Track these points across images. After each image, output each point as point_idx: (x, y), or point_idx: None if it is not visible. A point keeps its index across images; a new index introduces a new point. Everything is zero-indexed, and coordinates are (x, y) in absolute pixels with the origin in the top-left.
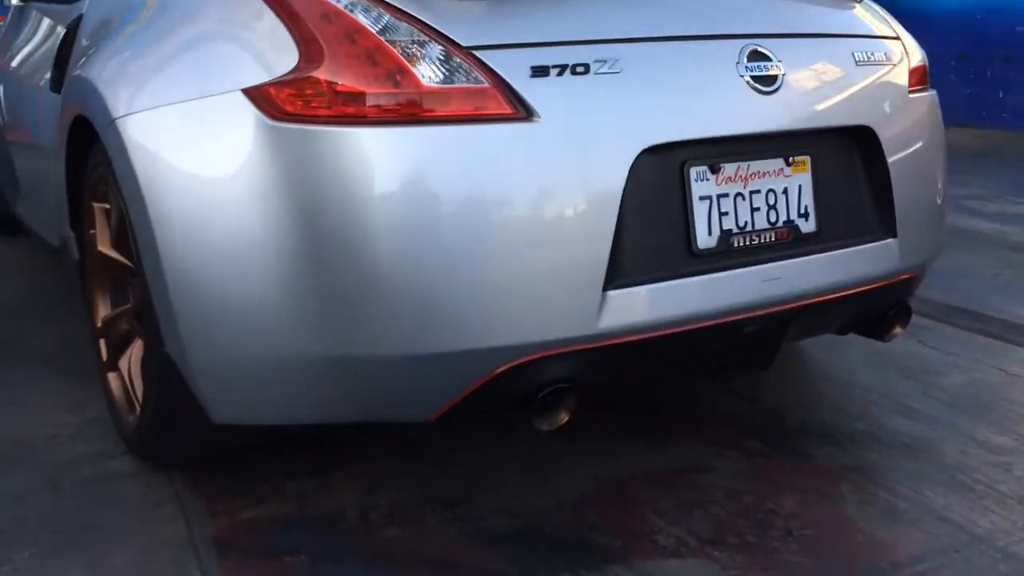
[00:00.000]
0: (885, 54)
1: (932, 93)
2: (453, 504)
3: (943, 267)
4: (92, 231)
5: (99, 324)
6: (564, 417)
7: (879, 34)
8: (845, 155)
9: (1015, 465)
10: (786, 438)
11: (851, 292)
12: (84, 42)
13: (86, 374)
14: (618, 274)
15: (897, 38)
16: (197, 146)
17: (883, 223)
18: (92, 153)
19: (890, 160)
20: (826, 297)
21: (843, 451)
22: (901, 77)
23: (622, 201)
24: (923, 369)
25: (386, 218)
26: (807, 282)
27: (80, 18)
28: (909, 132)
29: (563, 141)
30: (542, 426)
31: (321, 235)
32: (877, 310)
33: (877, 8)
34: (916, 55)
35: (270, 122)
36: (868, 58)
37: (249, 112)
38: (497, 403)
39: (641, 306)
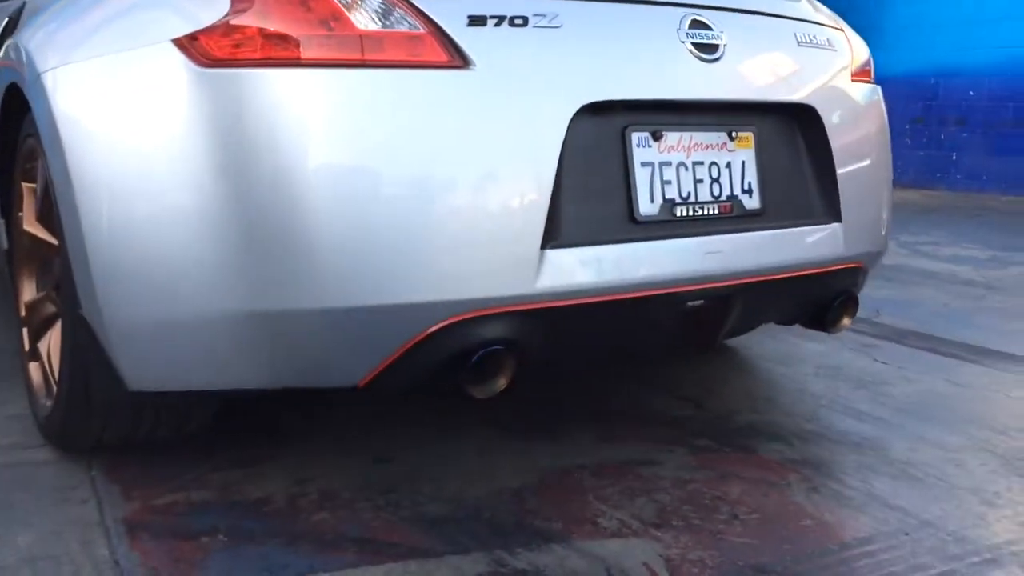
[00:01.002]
0: (828, 40)
1: (877, 87)
2: (389, 491)
3: (895, 297)
4: (20, 213)
5: (23, 311)
6: (501, 384)
7: (823, 22)
8: (788, 135)
9: (967, 461)
10: (734, 436)
11: (794, 274)
12: (24, 23)
13: (7, 373)
14: (557, 234)
15: (841, 30)
16: (123, 96)
17: (828, 208)
18: (23, 126)
19: (834, 144)
20: (769, 277)
21: (791, 448)
22: (844, 64)
23: (561, 158)
24: (874, 380)
25: (315, 164)
26: (750, 259)
27: (23, 6)
28: (853, 118)
29: (500, 92)
30: (476, 393)
31: (248, 183)
32: (822, 298)
33: (823, 7)
34: (861, 50)
35: (199, 69)
36: (811, 40)
37: (178, 60)
38: (430, 366)
39: (580, 269)
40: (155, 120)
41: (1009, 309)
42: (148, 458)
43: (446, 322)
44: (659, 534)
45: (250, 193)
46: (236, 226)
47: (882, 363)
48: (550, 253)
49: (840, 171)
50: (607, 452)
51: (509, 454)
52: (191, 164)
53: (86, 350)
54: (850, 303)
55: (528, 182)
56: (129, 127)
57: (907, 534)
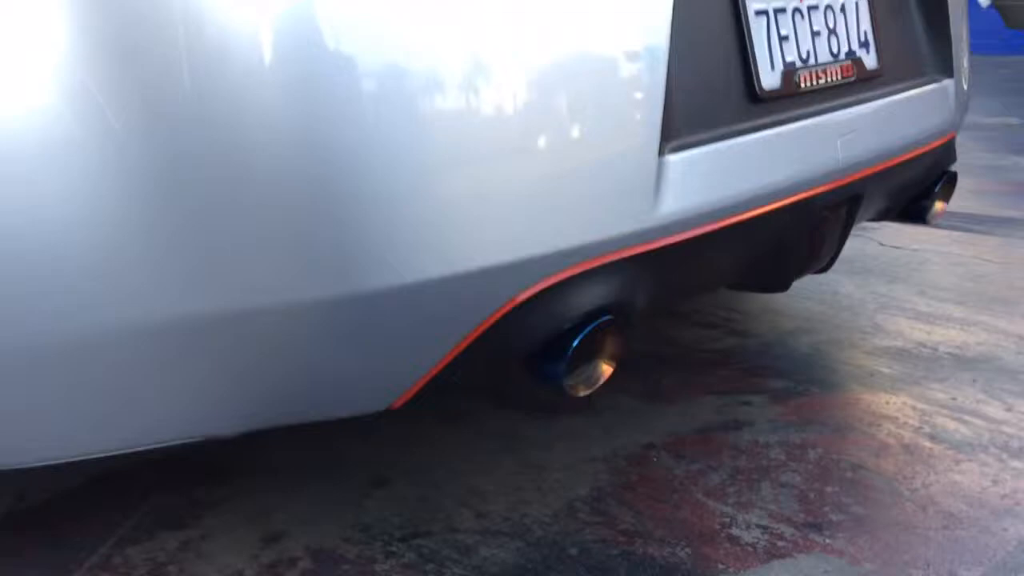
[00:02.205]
0: None
1: None
2: (414, 534)
3: None
4: None
5: None
6: (607, 370)
7: None
8: None
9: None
10: (808, 367)
11: (919, 152)
12: None
13: None
14: (675, 131)
15: None
16: None
17: (940, 58)
18: None
19: None
20: (897, 159)
21: (887, 372)
22: None
23: (672, 21)
24: (894, 267)
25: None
26: (880, 139)
27: None
28: None
29: None
30: (579, 389)
31: (175, 132)
32: (927, 179)
33: None
34: None
35: None
36: None
37: None
38: (506, 361)
39: (706, 179)
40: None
41: None
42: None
43: (536, 286)
44: (831, 542)
45: (189, 144)
46: (171, 194)
47: (892, 247)
48: (671, 161)
49: (952, 9)
50: (672, 419)
51: (542, 447)
52: (86, 116)
53: None
54: (952, 182)
55: (635, 56)
56: None
57: None
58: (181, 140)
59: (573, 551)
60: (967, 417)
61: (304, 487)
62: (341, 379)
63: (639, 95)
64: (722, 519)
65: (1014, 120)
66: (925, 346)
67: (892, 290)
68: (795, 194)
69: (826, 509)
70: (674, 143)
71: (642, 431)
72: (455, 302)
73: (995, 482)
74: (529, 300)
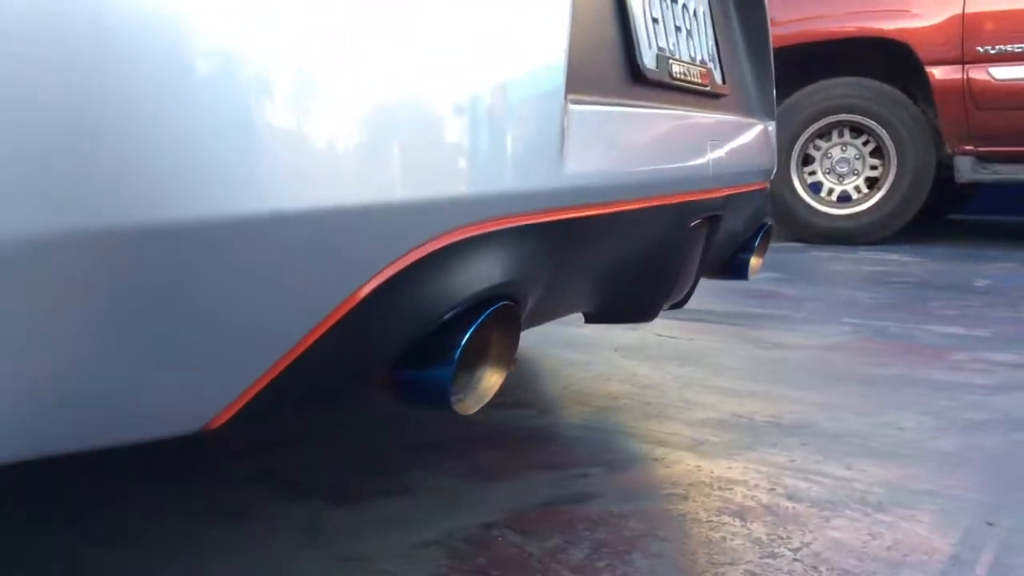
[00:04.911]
0: None
1: None
2: None
3: None
4: None
5: None
6: (498, 381)
7: None
8: (724, 4)
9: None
10: (638, 440)
11: (753, 187)
12: None
13: None
14: (574, 85)
15: None
16: None
17: (764, 101)
18: None
19: (770, 26)
20: (745, 187)
21: (710, 441)
22: None
23: None
24: (689, 352)
25: None
26: (736, 158)
27: None
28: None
29: None
30: (467, 405)
31: None
32: (752, 227)
33: None
34: None
35: None
36: None
37: None
38: (372, 363)
39: (605, 143)
40: None
41: None
42: None
43: (409, 257)
44: None
45: None
46: None
47: (668, 337)
48: (575, 110)
49: (772, 58)
50: (505, 497)
51: (356, 537)
52: None
53: None
54: (768, 235)
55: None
56: None
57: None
58: None
59: None
60: (814, 477)
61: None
62: (138, 383)
63: (547, 34)
64: None
65: None
66: (742, 416)
67: (687, 371)
68: (677, 193)
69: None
70: (575, 96)
71: (474, 511)
72: (296, 276)
73: (872, 536)
74: (404, 273)
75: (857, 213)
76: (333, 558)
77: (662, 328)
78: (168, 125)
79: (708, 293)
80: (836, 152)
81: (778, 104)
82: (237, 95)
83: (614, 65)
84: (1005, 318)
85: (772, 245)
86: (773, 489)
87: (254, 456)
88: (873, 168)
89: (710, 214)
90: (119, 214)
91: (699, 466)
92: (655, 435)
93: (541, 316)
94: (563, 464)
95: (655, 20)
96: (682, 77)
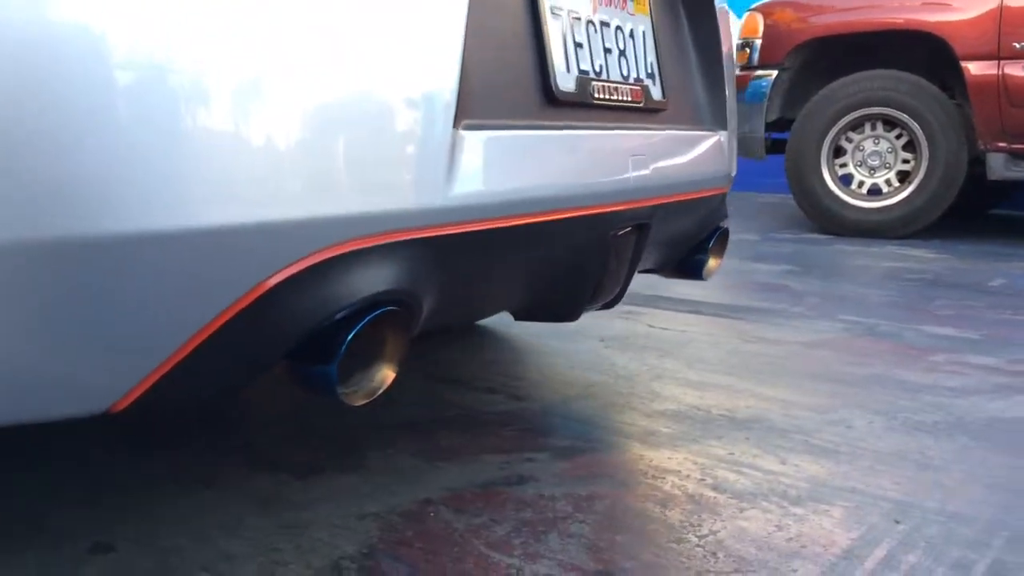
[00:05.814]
0: None
1: None
2: None
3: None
4: None
5: None
6: (388, 376)
7: None
8: (674, 16)
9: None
10: (586, 427)
11: (700, 195)
12: None
13: None
14: (470, 110)
15: None
16: None
17: (716, 112)
18: None
19: (723, 38)
20: (683, 195)
21: (660, 432)
22: None
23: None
24: (673, 344)
25: None
26: (669, 170)
27: None
28: (724, 17)
29: None
30: (355, 398)
31: None
32: (703, 231)
33: None
34: None
35: None
36: None
37: None
38: (270, 356)
39: (501, 165)
40: None
41: None
42: None
43: (300, 264)
44: None
45: None
46: None
47: (661, 328)
48: (465, 136)
49: (726, 67)
50: (452, 476)
51: (304, 508)
52: None
53: None
54: (725, 238)
55: (433, 22)
56: None
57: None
58: None
59: None
60: (745, 470)
61: None
62: (50, 370)
63: (436, 61)
64: (507, 570)
65: (751, 236)
66: (699, 409)
67: (664, 363)
68: (588, 206)
69: (617, 557)
70: (469, 122)
71: (419, 488)
72: (198, 270)
73: (779, 527)
74: (296, 278)
75: (887, 207)
76: (275, 526)
77: (657, 319)
78: (84, 147)
79: (716, 286)
80: (868, 145)
81: (813, 94)
82: (142, 115)
83: (528, 90)
84: (1002, 320)
85: (797, 236)
86: (703, 480)
87: (236, 431)
88: (905, 162)
89: (637, 223)
90: (30, 228)
91: (642, 455)
92: (612, 424)
93: (457, 316)
94: (514, 448)
95: (579, 45)
96: (606, 97)
